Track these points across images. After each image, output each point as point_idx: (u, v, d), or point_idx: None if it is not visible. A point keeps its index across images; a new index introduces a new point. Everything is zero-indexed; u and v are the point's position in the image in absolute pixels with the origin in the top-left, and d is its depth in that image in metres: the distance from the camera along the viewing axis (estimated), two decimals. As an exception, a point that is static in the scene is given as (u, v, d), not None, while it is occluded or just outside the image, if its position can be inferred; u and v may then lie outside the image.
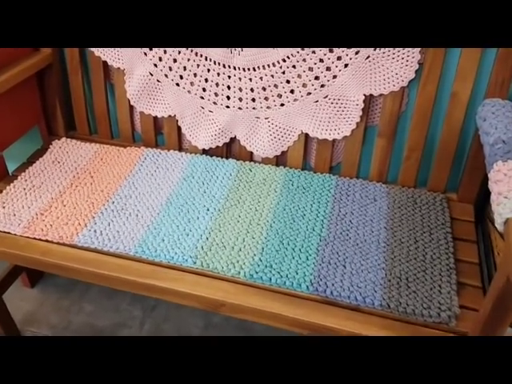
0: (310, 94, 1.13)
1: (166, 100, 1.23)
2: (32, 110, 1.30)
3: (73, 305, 1.40)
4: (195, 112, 1.23)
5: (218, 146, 1.26)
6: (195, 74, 1.17)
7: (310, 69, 1.09)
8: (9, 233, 1.05)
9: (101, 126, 1.34)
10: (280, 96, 1.15)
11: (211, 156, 1.27)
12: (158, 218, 1.08)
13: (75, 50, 1.25)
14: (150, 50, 1.17)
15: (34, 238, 1.04)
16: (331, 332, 0.88)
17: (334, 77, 1.09)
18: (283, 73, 1.11)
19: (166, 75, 1.19)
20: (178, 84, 1.20)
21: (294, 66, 1.10)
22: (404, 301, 0.91)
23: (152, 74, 1.20)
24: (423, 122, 1.12)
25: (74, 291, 1.43)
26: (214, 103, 1.20)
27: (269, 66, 1.11)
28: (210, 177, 1.20)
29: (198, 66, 1.16)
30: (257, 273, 0.96)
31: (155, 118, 1.28)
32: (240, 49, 1.11)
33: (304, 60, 1.08)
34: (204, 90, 1.19)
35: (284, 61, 1.10)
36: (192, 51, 1.14)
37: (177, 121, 1.26)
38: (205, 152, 1.29)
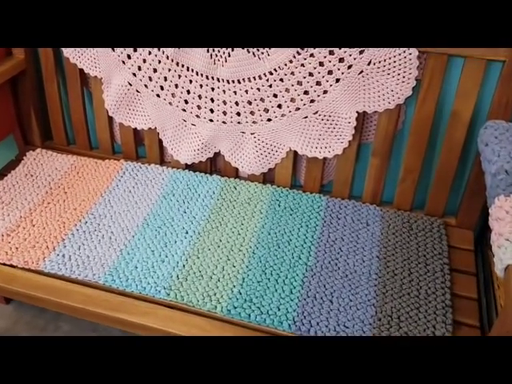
0: (299, 109, 1.04)
1: (146, 111, 1.15)
2: (5, 118, 1.22)
3: (49, 323, 1.33)
4: (177, 125, 1.14)
5: (201, 161, 1.18)
6: (176, 85, 1.09)
7: (299, 83, 1.01)
8: (-29, 255, 0.97)
9: (79, 135, 1.26)
10: (267, 111, 1.07)
11: (194, 171, 1.19)
12: (133, 241, 1.00)
13: (50, 56, 1.17)
14: (129, 58, 1.09)
15: (-2, 262, 0.96)
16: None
17: (325, 92, 1.01)
18: (270, 86, 1.03)
19: (145, 85, 1.11)
20: (158, 95, 1.11)
21: (281, 80, 1.01)
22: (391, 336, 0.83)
23: (131, 84, 1.12)
24: (421, 142, 1.03)
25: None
26: (197, 116, 1.12)
27: (254, 78, 1.03)
28: (191, 195, 1.12)
29: (180, 76, 1.07)
30: (235, 308, 0.88)
31: (135, 129, 1.20)
32: (224, 59, 1.02)
33: (292, 73, 1.00)
34: (186, 102, 1.11)
35: (271, 73, 1.01)
36: (173, 61, 1.06)
37: (158, 133, 1.18)
38: (188, 167, 1.21)
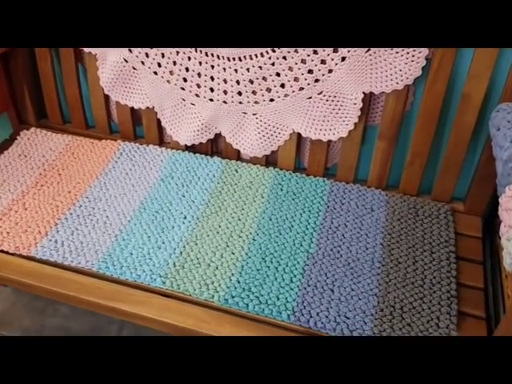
0: (303, 89, 0.99)
1: (143, 90, 1.10)
2: (-2, 95, 1.18)
3: (47, 306, 1.31)
4: (176, 104, 1.10)
5: (201, 143, 1.14)
6: (174, 62, 1.04)
7: (303, 61, 0.96)
8: (-37, 239, 0.95)
9: (74, 114, 1.22)
10: (269, 90, 1.02)
11: (194, 153, 1.15)
12: (129, 226, 0.97)
13: (43, 31, 1.12)
14: (125, 34, 1.03)
15: (-12, 248, 0.93)
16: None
17: (330, 71, 0.96)
18: (272, 64, 0.98)
19: (142, 62, 1.06)
20: (155, 72, 1.07)
21: (284, 58, 0.96)
22: (396, 336, 0.81)
23: (127, 61, 1.07)
24: (429, 125, 0.99)
25: (48, 290, 1.34)
26: (197, 95, 1.07)
27: (256, 55, 0.98)
28: (190, 177, 1.09)
29: (178, 53, 1.02)
30: (233, 297, 0.85)
31: (133, 108, 1.16)
32: (224, 37, 0.97)
33: (296, 51, 0.95)
34: (185, 80, 1.06)
35: (273, 51, 0.96)
36: (170, 37, 1.00)
37: (156, 113, 1.14)
38: (188, 148, 1.17)
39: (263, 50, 0.97)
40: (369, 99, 1.00)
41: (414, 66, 0.91)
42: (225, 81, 1.03)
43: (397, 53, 0.91)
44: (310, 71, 0.97)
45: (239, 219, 1.00)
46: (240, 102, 1.05)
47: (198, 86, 1.06)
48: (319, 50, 0.94)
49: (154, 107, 1.13)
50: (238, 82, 1.03)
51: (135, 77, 1.10)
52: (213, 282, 0.88)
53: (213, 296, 0.86)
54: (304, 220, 1.00)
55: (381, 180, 1.08)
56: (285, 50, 0.95)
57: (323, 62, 0.95)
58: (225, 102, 1.06)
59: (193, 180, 1.08)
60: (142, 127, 1.20)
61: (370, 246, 0.96)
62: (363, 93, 0.97)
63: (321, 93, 0.99)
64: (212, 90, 1.05)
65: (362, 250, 0.95)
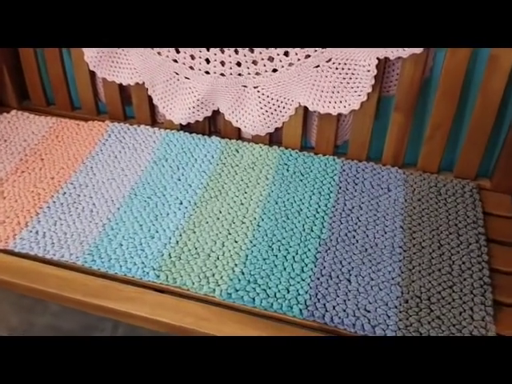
0: (309, 56, 0.89)
1: (132, 64, 1.00)
2: (-25, 76, 1.07)
3: (36, 304, 1.22)
4: (168, 79, 0.99)
5: (198, 121, 1.03)
6: (165, 32, 0.93)
7: (310, 24, 0.85)
8: None
9: (58, 94, 1.12)
10: (271, 59, 0.91)
11: (190, 132, 1.05)
12: (118, 214, 0.87)
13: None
14: (108, 0, 0.93)
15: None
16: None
17: (340, 34, 0.85)
18: (275, 29, 0.87)
19: (129, 33, 0.95)
20: (145, 44, 0.96)
21: (288, 21, 0.85)
22: (426, 330, 0.71)
23: (113, 32, 0.96)
24: (452, 92, 0.88)
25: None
26: (191, 68, 0.96)
27: (257, 20, 0.87)
28: (186, 159, 0.98)
29: (169, 20, 0.91)
30: (237, 291, 0.75)
31: (121, 85, 1.05)
32: None
33: (301, 12, 0.84)
34: (177, 51, 0.95)
35: (276, 13, 0.85)
36: (159, 1, 0.89)
37: (147, 89, 1.03)
38: (183, 128, 1.06)
39: (264, 12, 0.86)
40: (383, 66, 0.89)
41: (436, 24, 0.80)
42: (222, 51, 0.93)
43: (416, 9, 0.80)
44: (318, 35, 0.86)
45: (242, 203, 0.90)
46: (239, 74, 0.94)
47: (192, 57, 0.95)
48: (327, 9, 0.83)
49: (144, 83, 1.02)
50: (236, 52, 0.92)
51: (122, 50, 0.99)
52: (213, 275, 0.77)
53: (214, 290, 0.75)
54: (314, 203, 0.90)
55: (397, 157, 0.98)
56: (288, 11, 0.84)
57: (332, 23, 0.84)
58: (222, 74, 0.95)
59: (189, 162, 0.98)
60: (132, 107, 1.09)
61: (389, 229, 0.85)
62: (377, 59, 0.86)
63: (329, 60, 0.88)
64: (208, 61, 0.95)
65: (380, 235, 0.84)
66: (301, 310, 0.73)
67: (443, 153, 0.95)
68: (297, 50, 0.89)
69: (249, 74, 0.94)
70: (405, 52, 0.85)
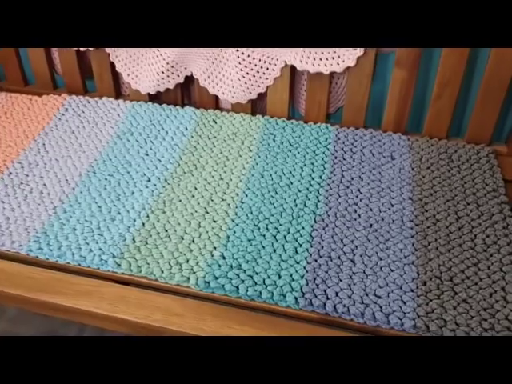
0: (295, 2, 0.75)
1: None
2: None
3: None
4: (131, 40, 0.85)
5: (168, 90, 0.90)
6: (125, -19, 0.79)
7: (294, -39, 0.71)
8: None
9: (9, 68, 0.97)
10: (251, 8, 0.77)
11: (161, 104, 0.90)
12: (73, 195, 0.73)
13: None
14: None
15: None
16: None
17: (331, -28, 0.71)
18: (253, -29, 0.73)
19: (83, -15, 0.81)
20: None
21: (268, -41, 0.72)
22: (451, 317, 0.57)
23: (64, -15, 0.82)
24: (463, 41, 0.75)
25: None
26: (157, 25, 0.82)
27: (231, -40, 0.73)
28: (156, 132, 0.84)
29: (128, -33, 0.77)
30: (216, 278, 0.61)
31: (80, 53, 0.91)
32: None
33: None
34: (140, 5, 0.81)
35: (254, -50, 0.72)
36: None
37: (108, 55, 0.89)
38: (152, 98, 0.92)
39: (239, -50, 0.72)
40: (381, 12, 0.75)
41: (444, -46, 0.67)
42: (192, 2, 0.79)
43: None
44: (304, -25, 0.73)
45: (221, 178, 0.76)
46: (214, 30, 0.80)
47: (159, 12, 0.81)
48: None
49: (105, 48, 0.88)
50: (209, 2, 0.78)
51: (76, 6, 0.84)
52: (187, 260, 0.63)
53: (188, 279, 0.61)
54: (306, 175, 0.76)
55: (399, 122, 0.85)
56: None
57: (320, -41, 0.71)
58: (194, 31, 0.81)
59: (158, 135, 0.84)
60: (93, 80, 0.95)
61: (396, 201, 0.72)
62: (375, 2, 0.73)
63: (318, 6, 0.75)
64: (176, 15, 0.81)
65: (386, 208, 0.71)
66: (296, 298, 0.59)
67: (452, 115, 0.82)
68: (280, -4, 0.75)
69: (225, 29, 0.80)
70: (407, -7, 0.72)
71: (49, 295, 0.60)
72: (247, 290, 0.60)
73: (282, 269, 0.62)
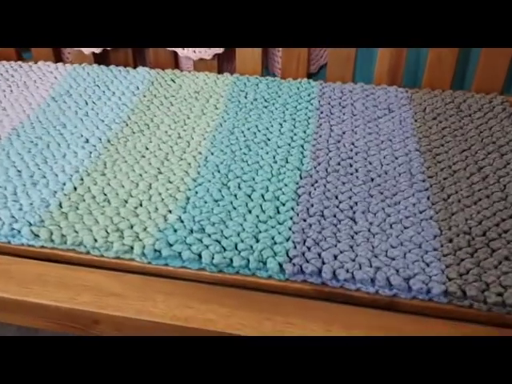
0: None
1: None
2: None
3: None
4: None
5: (117, 50, 0.75)
6: None
7: None
8: None
9: None
10: None
11: (108, 66, 0.75)
12: (-14, 159, 0.56)
13: None
14: None
15: None
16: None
17: None
18: None
19: None
20: None
21: None
22: (494, 278, 0.41)
23: None
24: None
25: None
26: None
27: None
28: (100, 93, 0.69)
29: None
30: (170, 246, 0.45)
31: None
32: None
33: None
34: None
35: None
36: None
37: (42, 9, 0.73)
38: (98, 61, 0.77)
39: None
40: None
41: None
42: None
43: None
44: None
45: (179, 137, 0.60)
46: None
47: None
48: None
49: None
50: None
51: None
52: (132, 226, 0.47)
53: (131, 248, 0.45)
54: (287, 130, 0.61)
55: (394, 74, 0.71)
56: None
57: None
58: (144, -30, 0.67)
59: (103, 95, 0.68)
60: (29, 52, 0.80)
61: (401, 153, 0.57)
62: None
63: None
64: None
65: (389, 160, 0.56)
66: (281, 264, 0.43)
67: (456, 62, 0.69)
68: None
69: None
70: None
71: None
72: (213, 258, 0.43)
73: (260, 231, 0.46)
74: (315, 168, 0.55)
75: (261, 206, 0.49)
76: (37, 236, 0.46)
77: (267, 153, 0.57)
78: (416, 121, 0.63)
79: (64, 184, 0.52)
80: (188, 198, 0.50)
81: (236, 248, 0.44)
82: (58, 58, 0.80)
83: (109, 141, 0.59)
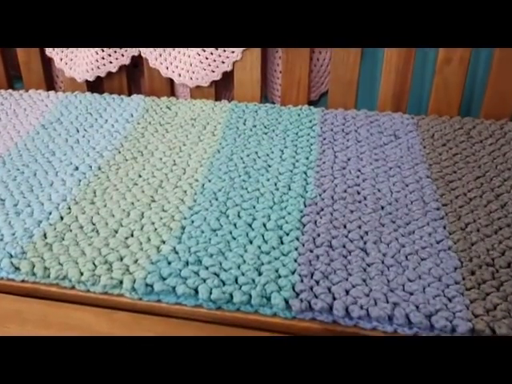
0: None
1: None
2: None
3: None
4: (62, 11, 0.68)
5: (111, 76, 0.72)
6: None
7: None
8: None
9: None
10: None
11: (101, 94, 0.72)
12: (-34, 188, 0.52)
13: None
14: None
15: None
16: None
17: None
18: None
19: None
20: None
21: None
22: (524, 315, 0.37)
23: None
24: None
25: None
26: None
27: None
28: (92, 120, 0.65)
29: None
30: (164, 280, 0.40)
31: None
32: None
33: None
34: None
35: None
36: None
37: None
38: (92, 89, 0.74)
39: None
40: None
41: None
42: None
43: None
44: None
45: (174, 164, 0.57)
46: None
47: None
48: None
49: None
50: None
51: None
52: (121, 258, 0.43)
53: (120, 282, 0.40)
54: (288, 157, 0.58)
55: (399, 101, 0.69)
56: None
57: None
58: None
59: (95, 123, 0.65)
60: (21, 82, 0.77)
61: (411, 180, 0.54)
62: None
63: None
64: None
65: (399, 187, 0.52)
66: (286, 300, 0.38)
67: (463, 85, 0.66)
68: None
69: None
70: None
71: None
72: (211, 293, 0.39)
73: (262, 263, 0.42)
74: (320, 195, 0.51)
75: (263, 235, 0.45)
76: (17, 269, 0.41)
77: (268, 180, 0.54)
78: (424, 147, 0.60)
79: (50, 213, 0.48)
80: (183, 228, 0.46)
81: (236, 282, 0.40)
82: (50, 87, 0.77)
83: (100, 168, 0.56)
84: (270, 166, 0.56)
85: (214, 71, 0.69)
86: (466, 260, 0.43)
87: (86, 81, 0.73)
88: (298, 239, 0.45)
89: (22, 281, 0.41)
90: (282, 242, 0.45)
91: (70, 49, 0.71)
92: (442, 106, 0.67)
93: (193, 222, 0.47)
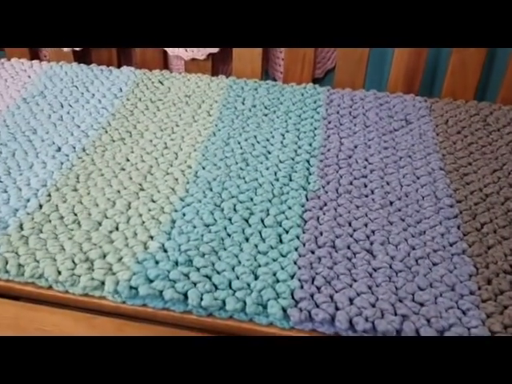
0: None
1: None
2: None
3: None
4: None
5: (99, 49, 0.67)
6: None
7: None
8: None
9: None
10: None
11: (89, 64, 0.67)
12: None
13: None
14: None
15: None
16: None
17: None
18: None
19: None
20: None
21: None
22: (547, 334, 0.33)
23: None
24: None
25: None
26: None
27: None
28: (78, 95, 0.61)
29: None
30: (150, 282, 0.36)
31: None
32: None
33: None
34: None
35: None
36: None
37: None
38: (78, 59, 0.69)
39: None
40: None
41: None
42: None
43: None
44: None
45: (166, 147, 0.52)
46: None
47: None
48: None
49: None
50: None
51: None
52: (104, 256, 0.39)
53: (101, 284, 0.36)
54: (290, 142, 0.53)
55: (411, 81, 0.64)
56: None
57: None
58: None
59: (81, 98, 0.60)
60: (3, 50, 0.72)
61: (423, 172, 0.49)
62: None
63: None
64: None
65: (409, 180, 0.48)
66: (284, 309, 0.35)
67: (482, 67, 0.61)
68: None
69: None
70: None
71: None
72: (201, 299, 0.35)
73: (259, 265, 0.38)
74: (323, 188, 0.47)
75: (260, 233, 0.41)
76: (-13, 267, 0.37)
77: (267, 168, 0.49)
78: (438, 135, 0.56)
79: (28, 201, 0.44)
80: (173, 222, 0.42)
81: (230, 287, 0.36)
82: (34, 56, 0.71)
83: (84, 150, 0.51)
84: (269, 153, 0.52)
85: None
86: (481, 266, 0.39)
87: (73, 50, 0.68)
88: (298, 238, 0.41)
89: (-6, 280, 0.37)
90: (280, 241, 0.41)
91: (56, 15, 0.65)
92: (458, 88, 0.63)
93: (184, 215, 0.43)
